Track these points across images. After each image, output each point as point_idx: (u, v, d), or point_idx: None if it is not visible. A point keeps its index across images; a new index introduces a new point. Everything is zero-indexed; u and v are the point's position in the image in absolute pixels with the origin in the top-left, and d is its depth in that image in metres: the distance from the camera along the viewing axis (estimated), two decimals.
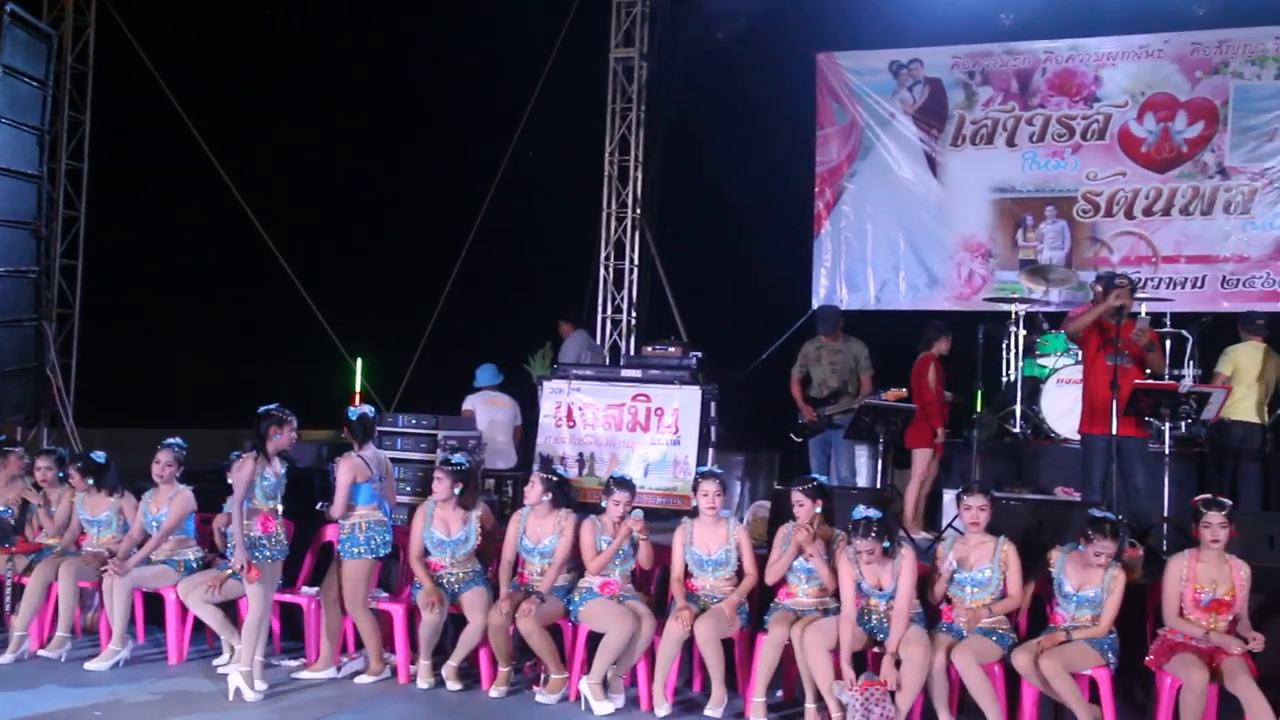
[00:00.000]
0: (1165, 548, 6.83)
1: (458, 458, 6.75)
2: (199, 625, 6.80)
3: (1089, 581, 5.67)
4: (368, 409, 6.84)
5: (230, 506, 6.11)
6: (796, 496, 6.10)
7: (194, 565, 6.84)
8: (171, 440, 7.02)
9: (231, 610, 6.59)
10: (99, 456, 7.14)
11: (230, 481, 6.12)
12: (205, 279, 11.78)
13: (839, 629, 5.73)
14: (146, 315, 11.56)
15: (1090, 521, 5.66)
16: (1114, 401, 7.04)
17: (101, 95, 11.84)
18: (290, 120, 11.99)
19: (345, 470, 6.49)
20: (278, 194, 11.88)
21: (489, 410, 9.17)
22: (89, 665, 6.48)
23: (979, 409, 9.33)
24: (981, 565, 5.85)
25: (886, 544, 5.70)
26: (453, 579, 6.50)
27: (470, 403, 9.19)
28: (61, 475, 7.27)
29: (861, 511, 5.72)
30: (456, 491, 6.54)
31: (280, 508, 6.16)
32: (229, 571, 6.38)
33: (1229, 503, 5.68)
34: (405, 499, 7.65)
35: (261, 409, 6.16)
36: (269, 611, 6.22)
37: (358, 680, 6.44)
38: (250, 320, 11.83)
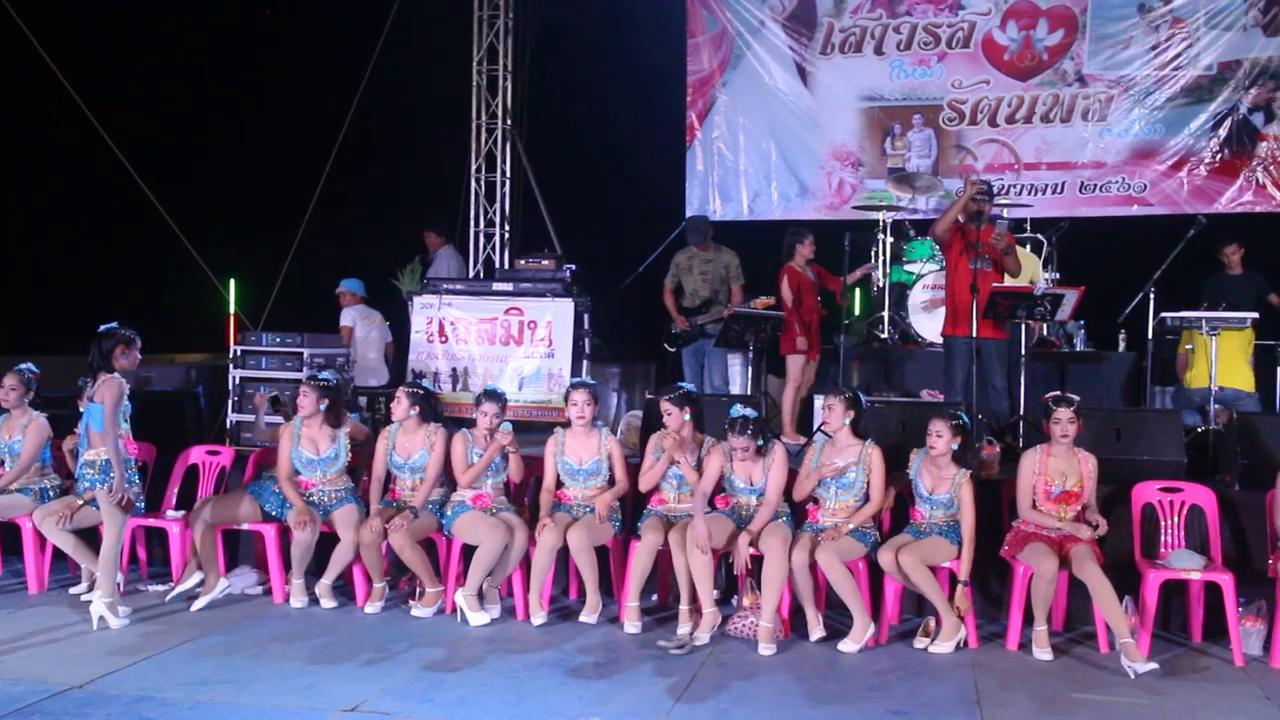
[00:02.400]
0: (1021, 445, 7.08)
1: (324, 374, 6.63)
2: (60, 554, 6.60)
3: (940, 485, 5.88)
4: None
5: (93, 432, 5.85)
6: (665, 405, 6.16)
7: (50, 493, 6.61)
8: (23, 365, 6.74)
9: (92, 537, 6.40)
10: None
11: (82, 409, 5.91)
12: (60, 202, 11.22)
13: (693, 507, 5.88)
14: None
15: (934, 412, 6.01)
16: (974, 304, 7.25)
17: None
18: (144, 39, 11.41)
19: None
20: (132, 113, 11.31)
21: (365, 327, 9.06)
22: None
23: (849, 316, 9.50)
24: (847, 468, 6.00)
25: (760, 442, 5.85)
26: (324, 497, 6.42)
27: (349, 318, 9.05)
28: None
29: (739, 410, 5.92)
30: (323, 408, 6.45)
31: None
32: (82, 501, 6.19)
33: (1076, 399, 5.91)
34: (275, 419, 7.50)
35: (103, 328, 5.91)
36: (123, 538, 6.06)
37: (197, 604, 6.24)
38: (110, 243, 11.34)
